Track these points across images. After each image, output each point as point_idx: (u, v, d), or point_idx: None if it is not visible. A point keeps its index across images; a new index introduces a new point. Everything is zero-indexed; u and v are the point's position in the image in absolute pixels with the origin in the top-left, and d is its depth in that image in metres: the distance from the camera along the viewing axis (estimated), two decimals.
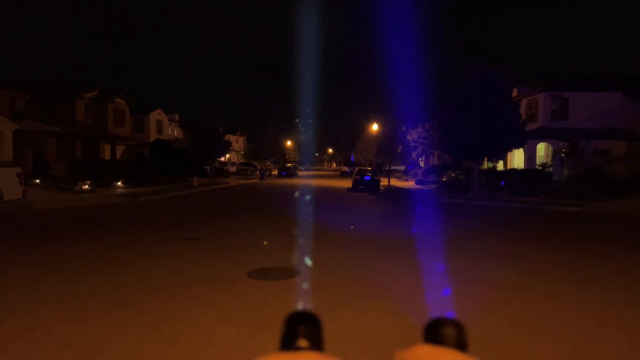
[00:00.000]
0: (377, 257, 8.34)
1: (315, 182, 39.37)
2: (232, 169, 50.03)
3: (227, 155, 51.19)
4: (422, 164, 49.75)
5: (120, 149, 37.70)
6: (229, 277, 6.71)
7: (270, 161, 73.59)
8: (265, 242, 9.65)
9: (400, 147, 36.62)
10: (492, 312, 5.28)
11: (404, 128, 39.85)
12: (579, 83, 31.19)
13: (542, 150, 29.26)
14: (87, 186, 21.60)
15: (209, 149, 31.14)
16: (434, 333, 0.42)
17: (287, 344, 0.39)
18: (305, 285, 6.32)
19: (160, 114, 46.32)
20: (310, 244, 9.49)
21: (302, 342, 0.39)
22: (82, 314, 5.04)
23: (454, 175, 30.32)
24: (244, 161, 63.06)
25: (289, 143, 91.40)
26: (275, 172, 56.09)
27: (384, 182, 33.11)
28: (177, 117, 53.16)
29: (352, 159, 79.22)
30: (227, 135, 38.93)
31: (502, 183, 23.71)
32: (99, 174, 24.60)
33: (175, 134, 51.24)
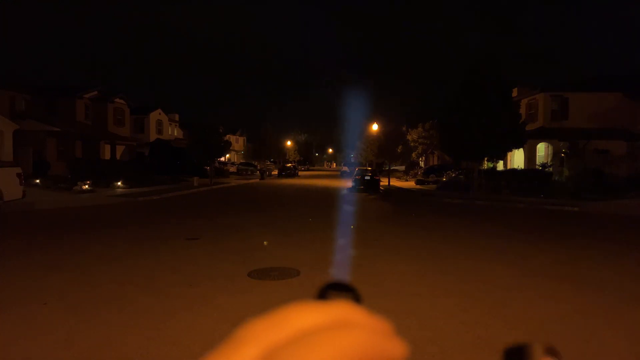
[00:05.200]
0: (377, 256, 8.34)
1: (315, 182, 39.37)
2: (232, 169, 50.02)
3: (227, 155, 51.21)
4: (422, 164, 49.78)
5: (120, 149, 37.69)
6: (229, 277, 6.72)
7: (270, 161, 73.56)
8: (265, 242, 9.65)
9: (400, 147, 36.66)
10: (492, 312, 5.28)
11: (404, 128, 39.92)
12: (579, 83, 31.19)
13: (542, 150, 29.26)
14: (87, 186, 21.59)
15: (209, 149, 31.14)
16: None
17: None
18: (305, 285, 6.33)
19: (160, 114, 46.32)
20: (310, 244, 9.50)
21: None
22: (82, 314, 5.04)
23: (454, 175, 30.31)
24: (244, 161, 63.05)
25: (289, 143, 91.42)
26: (276, 172, 56.09)
27: (384, 182, 33.10)
28: (177, 117, 53.16)
29: (352, 159, 79.14)
30: (227, 135, 38.93)
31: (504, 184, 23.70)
32: (99, 174, 24.58)
33: (175, 134, 51.24)
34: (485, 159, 24.10)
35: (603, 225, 13.86)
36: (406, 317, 5.01)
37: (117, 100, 38.05)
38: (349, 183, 32.50)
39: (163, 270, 7.15)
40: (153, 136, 43.61)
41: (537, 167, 26.79)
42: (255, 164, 59.71)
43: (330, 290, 0.37)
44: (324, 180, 45.00)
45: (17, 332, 4.53)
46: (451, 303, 5.59)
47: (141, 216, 14.62)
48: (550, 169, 25.65)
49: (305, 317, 0.32)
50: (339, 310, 0.33)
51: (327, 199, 22.59)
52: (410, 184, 35.11)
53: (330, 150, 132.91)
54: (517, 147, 24.26)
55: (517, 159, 30.52)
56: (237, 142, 71.80)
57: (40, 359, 3.97)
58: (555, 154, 27.27)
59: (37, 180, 22.21)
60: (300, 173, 60.06)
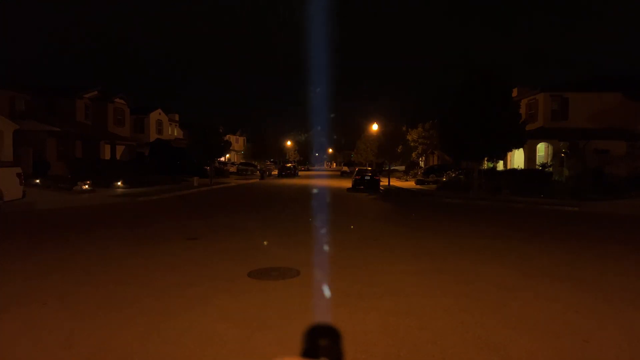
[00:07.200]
0: (377, 257, 8.34)
1: (315, 182, 39.38)
2: (232, 169, 50.03)
3: (227, 155, 51.20)
4: (422, 164, 49.77)
5: (120, 149, 37.69)
6: (229, 277, 6.72)
7: (270, 161, 73.58)
8: (265, 242, 9.65)
9: (400, 147, 36.64)
10: (492, 312, 5.28)
11: (404, 128, 39.90)
12: (579, 83, 31.20)
13: (542, 150, 29.26)
14: (87, 186, 21.59)
15: (209, 149, 31.14)
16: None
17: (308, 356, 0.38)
18: (305, 285, 6.33)
19: (160, 114, 46.33)
20: (310, 244, 9.50)
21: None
22: (82, 314, 5.04)
23: (454, 175, 30.30)
24: (244, 161, 63.05)
25: (289, 143, 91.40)
26: (276, 172, 56.10)
27: (384, 182, 33.10)
28: (177, 117, 53.18)
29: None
30: (227, 135, 38.94)
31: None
32: (99, 174, 24.58)
33: (175, 134, 51.25)
34: (485, 159, 24.09)
35: (603, 225, 13.86)
36: (406, 317, 5.01)
37: (117, 100, 38.05)
38: (348, 183, 32.50)
39: (163, 270, 7.16)
40: (153, 136, 43.61)
41: (537, 167, 26.79)
42: (255, 164, 59.71)
43: (317, 337, 0.38)
44: (324, 180, 45.02)
45: (17, 332, 4.53)
46: (451, 303, 5.59)
47: (141, 216, 14.61)
48: (550, 169, 25.64)
49: None
50: None
51: (327, 199, 22.58)
52: (410, 184, 35.10)
53: (330, 150, 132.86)
54: (517, 147, 24.25)
55: (517, 159, 30.51)
56: (237, 142, 71.80)
57: (41, 359, 3.97)
58: (555, 154, 27.27)
59: (37, 180, 22.20)
60: (300, 173, 60.08)
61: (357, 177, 29.33)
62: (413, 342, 4.34)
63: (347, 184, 33.21)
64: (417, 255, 8.53)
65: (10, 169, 15.00)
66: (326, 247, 9.19)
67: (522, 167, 27.64)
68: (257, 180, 41.39)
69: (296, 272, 6.98)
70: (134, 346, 4.19)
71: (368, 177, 28.62)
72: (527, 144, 25.67)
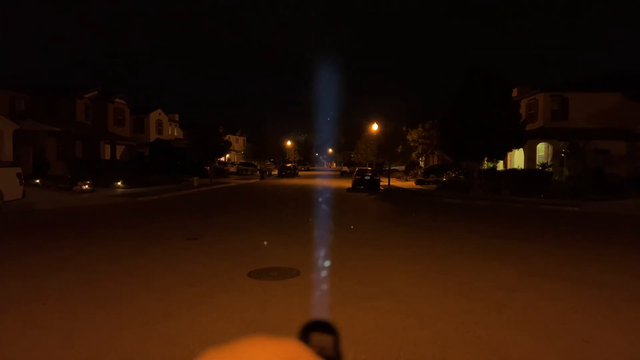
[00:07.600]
0: (377, 257, 8.34)
1: (315, 182, 39.38)
2: (232, 169, 50.01)
3: (227, 155, 51.18)
4: (422, 164, 49.78)
5: (120, 149, 37.68)
6: (229, 277, 6.72)
7: (270, 161, 73.56)
8: (265, 242, 9.65)
9: (400, 147, 36.63)
10: (492, 312, 5.28)
11: (404, 128, 39.90)
12: (579, 83, 31.18)
13: (542, 150, 29.25)
14: (87, 186, 21.58)
15: (209, 149, 31.14)
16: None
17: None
18: (304, 285, 6.32)
19: (160, 114, 46.31)
20: (310, 244, 9.50)
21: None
22: (82, 314, 5.04)
23: (454, 175, 30.30)
24: (244, 161, 63.01)
25: (289, 143, 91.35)
26: (275, 172, 56.09)
27: (384, 182, 33.09)
28: (177, 117, 53.16)
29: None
30: (227, 135, 38.93)
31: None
32: (99, 174, 24.57)
33: (175, 134, 51.23)
34: (485, 159, 24.09)
35: (603, 225, 13.86)
36: (406, 317, 5.01)
37: (117, 100, 38.04)
38: (349, 183, 32.49)
39: (163, 269, 7.15)
40: (153, 136, 43.59)
41: (537, 167, 26.78)
42: (255, 164, 59.67)
43: (312, 331, 0.38)
44: (324, 180, 45.03)
45: (17, 332, 4.52)
46: (451, 303, 5.59)
47: (141, 216, 14.61)
48: (550, 169, 25.64)
49: (255, 355, 0.33)
50: (289, 351, 0.33)
51: (327, 199, 22.58)
52: (410, 184, 35.09)
53: (330, 150, 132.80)
54: (517, 147, 24.26)
55: (517, 159, 30.50)
56: (237, 142, 71.75)
57: (40, 359, 3.97)
58: (555, 154, 27.26)
59: (37, 180, 22.20)
60: (300, 173, 60.06)
61: (357, 177, 29.32)
62: (413, 342, 4.33)
63: (347, 184, 33.21)
64: (417, 256, 8.53)
65: (10, 169, 15.00)
66: (326, 247, 9.19)
67: (522, 167, 27.63)
68: (257, 180, 41.37)
69: (296, 272, 6.98)
70: (134, 346, 4.19)
71: (368, 177, 28.61)
72: (527, 144, 25.67)
